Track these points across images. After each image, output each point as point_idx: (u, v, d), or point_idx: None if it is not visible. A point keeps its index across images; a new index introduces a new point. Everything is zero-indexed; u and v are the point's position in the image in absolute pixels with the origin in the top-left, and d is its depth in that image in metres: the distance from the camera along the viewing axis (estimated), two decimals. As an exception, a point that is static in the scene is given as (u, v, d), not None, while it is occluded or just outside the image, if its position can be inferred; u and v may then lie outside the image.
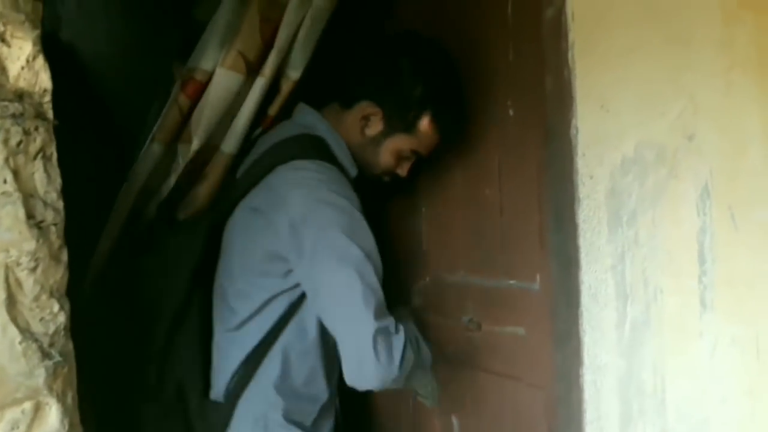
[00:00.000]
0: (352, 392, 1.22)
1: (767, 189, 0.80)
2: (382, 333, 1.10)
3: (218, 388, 1.27)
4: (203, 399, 1.27)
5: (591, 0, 0.99)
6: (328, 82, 1.37)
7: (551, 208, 1.07)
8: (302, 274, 1.19)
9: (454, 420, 1.43)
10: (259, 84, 1.29)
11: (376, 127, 1.29)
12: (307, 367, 1.27)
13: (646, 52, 0.91)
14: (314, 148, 1.26)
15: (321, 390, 1.30)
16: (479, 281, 1.31)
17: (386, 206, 1.57)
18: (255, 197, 1.24)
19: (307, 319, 1.26)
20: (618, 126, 0.96)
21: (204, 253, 1.27)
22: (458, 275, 1.35)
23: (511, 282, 1.23)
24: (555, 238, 1.07)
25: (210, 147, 1.32)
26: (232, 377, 1.25)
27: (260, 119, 1.34)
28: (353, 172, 1.31)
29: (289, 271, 1.21)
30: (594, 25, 0.99)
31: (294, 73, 1.32)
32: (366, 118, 1.29)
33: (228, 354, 1.27)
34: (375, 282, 1.14)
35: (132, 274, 1.25)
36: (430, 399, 1.33)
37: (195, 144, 1.29)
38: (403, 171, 1.34)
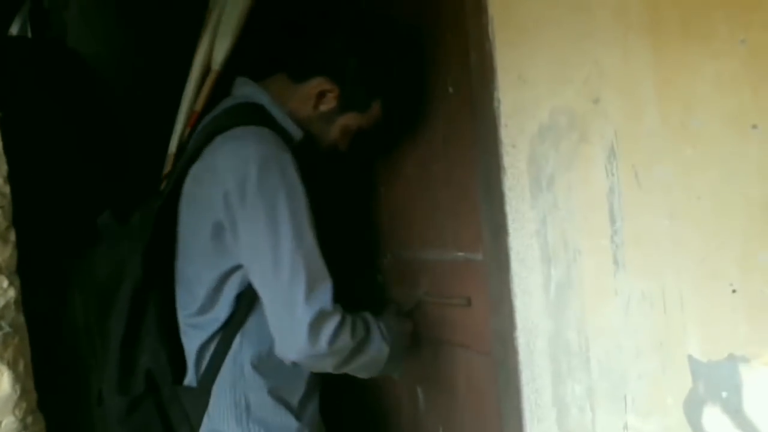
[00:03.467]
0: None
1: (664, 148, 0.82)
2: (316, 311, 1.11)
3: (191, 374, 1.26)
4: (175, 386, 1.25)
5: (504, -25, 1.01)
6: (271, 52, 1.33)
7: (481, 178, 1.10)
8: (238, 246, 1.17)
9: (419, 391, 1.46)
10: (192, 82, 1.35)
11: (330, 104, 1.27)
12: None
13: (553, 21, 0.93)
14: (252, 114, 1.22)
15: None
16: (432, 255, 1.34)
17: (346, 189, 1.60)
18: (195, 170, 1.21)
19: None
20: (534, 95, 0.98)
21: (153, 235, 1.22)
22: (413, 251, 1.38)
23: (459, 254, 1.26)
24: (485, 208, 1.09)
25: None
26: (199, 361, 1.24)
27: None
28: (298, 135, 1.26)
29: (234, 245, 1.18)
30: (509, -2, 1.01)
31: (215, 65, 1.35)
32: (321, 95, 1.26)
33: (192, 339, 1.25)
34: (310, 254, 1.13)
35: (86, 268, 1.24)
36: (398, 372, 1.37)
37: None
38: (344, 146, 1.33)
